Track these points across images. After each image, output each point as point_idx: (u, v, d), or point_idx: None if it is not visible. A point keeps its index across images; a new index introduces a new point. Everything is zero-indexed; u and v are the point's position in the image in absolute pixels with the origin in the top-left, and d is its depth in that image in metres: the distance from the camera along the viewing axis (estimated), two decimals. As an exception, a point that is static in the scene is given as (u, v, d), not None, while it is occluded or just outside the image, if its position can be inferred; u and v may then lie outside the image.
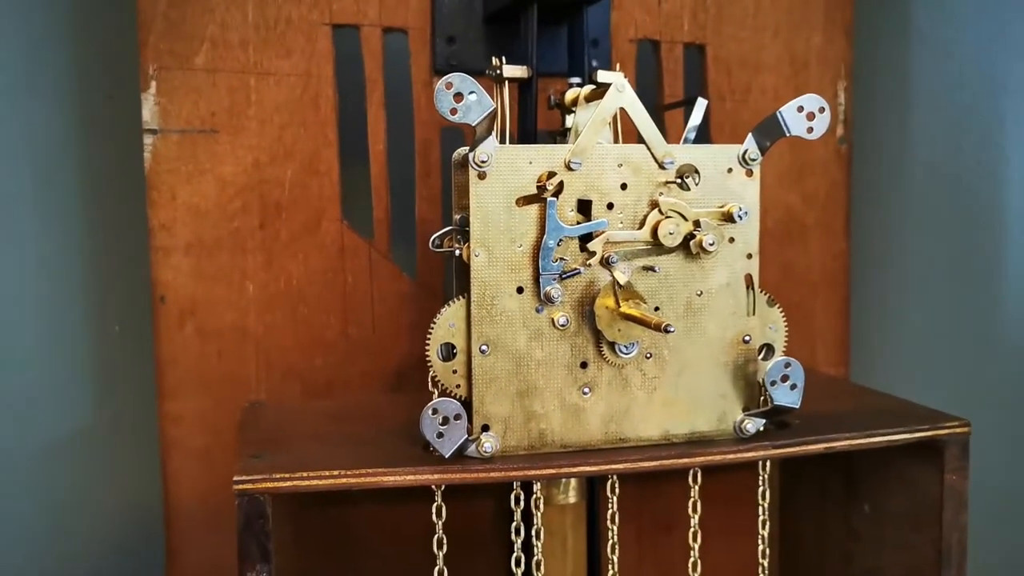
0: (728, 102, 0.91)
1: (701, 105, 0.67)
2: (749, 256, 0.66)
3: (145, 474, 0.89)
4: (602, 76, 0.74)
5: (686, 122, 0.67)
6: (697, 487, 0.70)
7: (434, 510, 0.65)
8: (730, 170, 0.65)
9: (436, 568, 0.66)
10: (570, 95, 0.70)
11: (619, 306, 0.62)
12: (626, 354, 0.64)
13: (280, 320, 0.83)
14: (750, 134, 0.65)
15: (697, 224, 0.64)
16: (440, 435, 0.60)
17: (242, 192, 0.82)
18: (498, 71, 0.72)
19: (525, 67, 0.73)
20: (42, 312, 0.88)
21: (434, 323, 0.62)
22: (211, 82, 0.80)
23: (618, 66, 0.76)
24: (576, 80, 0.72)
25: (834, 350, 0.96)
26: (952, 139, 0.96)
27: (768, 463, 0.72)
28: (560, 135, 0.73)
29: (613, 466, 0.64)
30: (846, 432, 0.68)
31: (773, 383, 0.65)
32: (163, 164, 0.80)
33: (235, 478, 0.58)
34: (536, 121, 0.76)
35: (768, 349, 0.68)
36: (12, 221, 0.87)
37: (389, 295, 0.85)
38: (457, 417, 0.60)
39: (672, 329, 0.58)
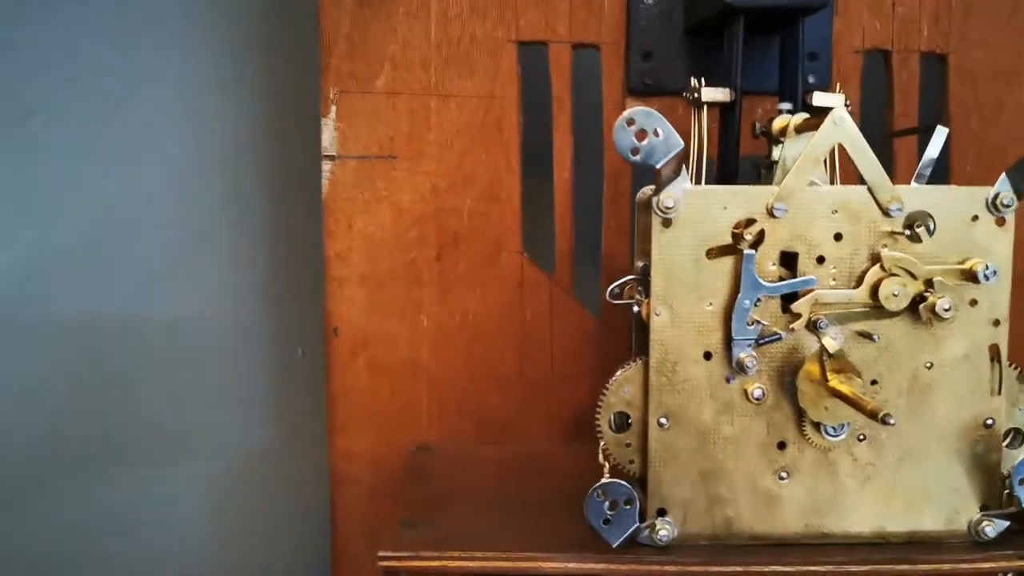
0: (974, 121, 0.78)
1: (941, 134, 0.56)
2: (996, 323, 0.54)
3: (316, 506, 0.88)
4: (818, 99, 0.64)
5: (920, 148, 0.56)
6: (915, 593, 0.59)
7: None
8: (975, 218, 0.53)
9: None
10: (778, 123, 0.60)
11: (827, 380, 0.52)
12: (834, 436, 0.53)
13: (454, 357, 0.78)
14: (1004, 175, 0.53)
15: (929, 284, 0.53)
16: (607, 521, 0.52)
17: (419, 221, 0.77)
18: (696, 94, 0.64)
19: (727, 90, 0.64)
20: (225, 334, 0.89)
21: (607, 389, 0.54)
22: (391, 105, 0.76)
23: (838, 87, 0.65)
24: (787, 106, 0.62)
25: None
26: None
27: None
28: (766, 167, 0.64)
29: (815, 567, 0.54)
30: (1117, 545, 0.54)
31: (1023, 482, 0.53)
32: (340, 191, 0.76)
33: (380, 553, 0.53)
34: (738, 150, 0.66)
35: (1016, 435, 0.56)
36: (205, 245, 0.88)
37: (570, 334, 0.78)
38: (628, 503, 0.52)
39: (892, 422, 0.47)
